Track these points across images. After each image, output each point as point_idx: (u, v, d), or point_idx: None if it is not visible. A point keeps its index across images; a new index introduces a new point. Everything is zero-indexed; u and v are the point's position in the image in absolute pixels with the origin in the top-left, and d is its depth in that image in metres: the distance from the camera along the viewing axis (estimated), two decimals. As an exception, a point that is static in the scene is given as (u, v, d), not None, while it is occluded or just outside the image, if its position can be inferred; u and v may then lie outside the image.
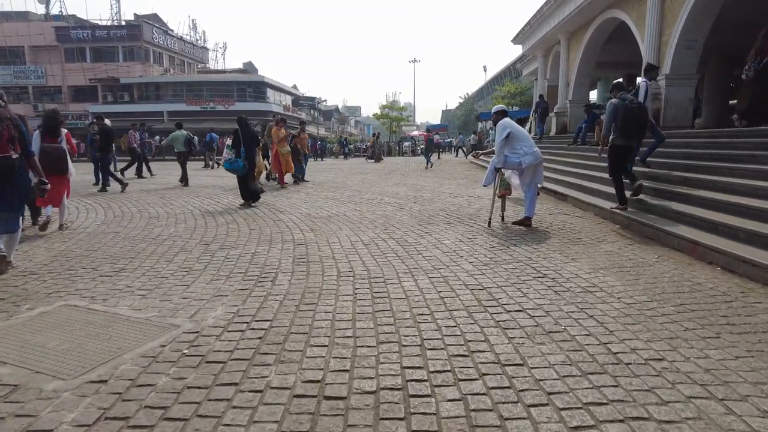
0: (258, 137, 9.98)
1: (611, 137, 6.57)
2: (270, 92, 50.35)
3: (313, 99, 61.44)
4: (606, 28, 15.08)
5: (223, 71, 54.87)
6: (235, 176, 9.01)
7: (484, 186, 6.86)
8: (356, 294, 3.74)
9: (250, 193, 8.78)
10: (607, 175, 7.03)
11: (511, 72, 56.93)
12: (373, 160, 28.49)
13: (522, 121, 33.50)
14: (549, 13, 17.54)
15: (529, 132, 27.35)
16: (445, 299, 3.60)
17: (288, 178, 12.57)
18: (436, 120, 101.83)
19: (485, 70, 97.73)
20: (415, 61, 71.84)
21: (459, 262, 4.67)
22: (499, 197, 6.83)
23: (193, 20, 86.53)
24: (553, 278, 4.14)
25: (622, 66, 21.29)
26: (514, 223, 6.63)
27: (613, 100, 6.46)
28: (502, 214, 7.01)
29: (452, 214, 7.57)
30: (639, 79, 8.67)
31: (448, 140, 47.92)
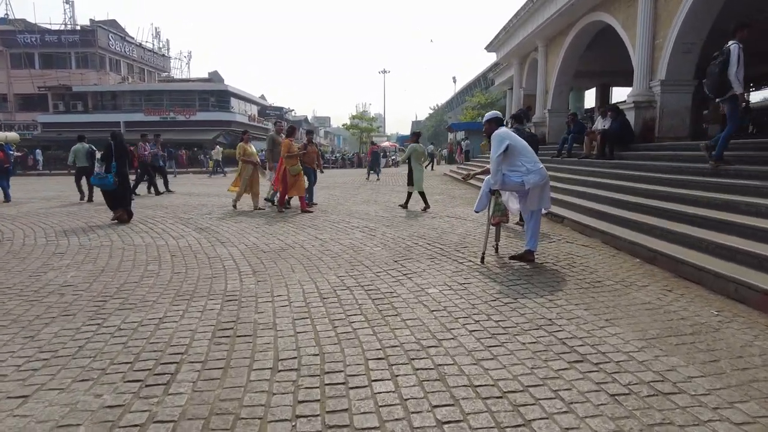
0: (128, 153, 9.50)
1: None
2: (234, 102, 48.40)
3: (280, 109, 59.69)
4: (588, 32, 14.15)
5: (187, 80, 52.59)
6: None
7: (476, 212, 5.54)
8: (296, 421, 2.29)
9: (120, 201, 8.29)
10: (611, 194, 6.79)
11: (481, 82, 56.75)
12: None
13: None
14: (527, 17, 16.58)
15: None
16: (446, 427, 2.19)
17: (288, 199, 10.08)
18: (406, 131, 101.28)
19: (455, 81, 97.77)
20: (384, 71, 71.18)
21: (455, 332, 3.28)
22: (492, 225, 5.52)
23: (156, 28, 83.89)
24: (596, 363, 2.79)
25: (596, 75, 20.63)
26: (512, 258, 5.32)
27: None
28: (496, 244, 5.69)
29: (434, 243, 6.21)
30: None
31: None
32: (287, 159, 8.92)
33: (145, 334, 3.28)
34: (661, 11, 9.94)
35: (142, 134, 14.57)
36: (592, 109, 20.20)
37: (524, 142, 5.16)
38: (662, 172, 7.52)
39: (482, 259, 5.18)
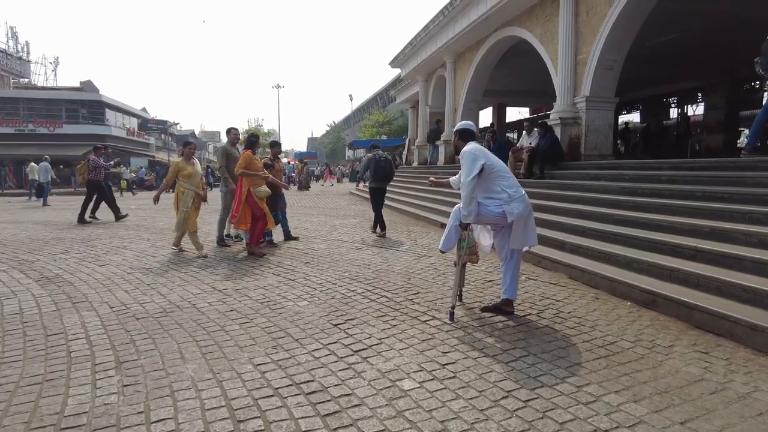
0: None
1: (369, 182, 8.88)
2: (111, 114, 43.23)
3: (164, 122, 54.71)
4: (500, 48, 13.85)
5: (51, 89, 45.91)
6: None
7: (442, 252, 4.22)
8: None
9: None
10: (561, 219, 6.54)
11: (377, 101, 57.03)
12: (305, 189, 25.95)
13: (395, 149, 32.62)
14: (436, 32, 16.03)
15: (405, 162, 26.28)
16: None
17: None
18: (302, 147, 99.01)
19: (351, 99, 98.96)
20: (278, 86, 69.02)
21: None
22: (456, 265, 4.25)
23: (11, 27, 72.93)
24: None
25: (493, 95, 20.85)
26: (485, 309, 4.09)
27: (368, 155, 8.99)
28: (460, 291, 4.44)
29: (376, 289, 4.80)
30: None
31: (321, 168, 45.69)
32: (249, 179, 6.57)
33: None
34: (582, 27, 9.63)
35: (94, 146, 11.85)
36: (485, 129, 20.16)
37: (501, 162, 4.00)
38: (612, 194, 6.88)
39: (452, 315, 3.87)
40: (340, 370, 2.96)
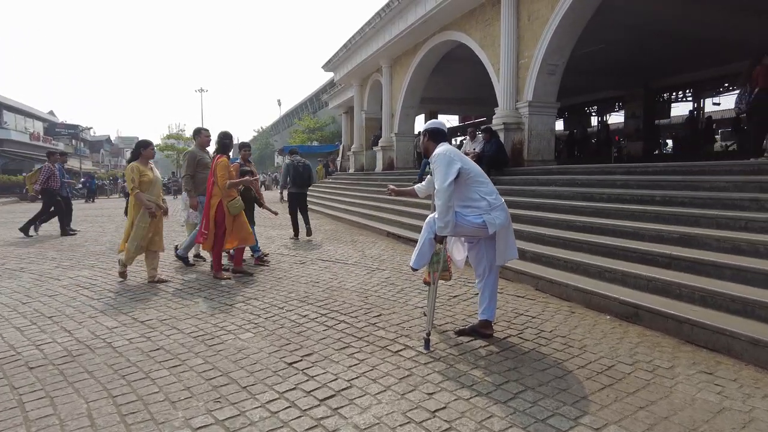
0: None
1: (288, 187, 8.92)
2: (9, 116, 39.05)
3: (75, 127, 50.32)
4: (438, 51, 13.68)
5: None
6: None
7: (414, 270, 3.65)
8: None
9: None
10: (518, 227, 6.07)
11: (308, 106, 55.96)
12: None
13: (328, 155, 31.79)
14: (371, 35, 15.63)
15: (340, 168, 25.55)
16: None
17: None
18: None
19: (280, 104, 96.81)
20: (202, 90, 66.25)
21: None
22: (426, 283, 3.72)
23: None
24: None
25: (426, 102, 20.82)
26: (461, 333, 3.60)
27: (286, 161, 9.11)
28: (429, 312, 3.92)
29: (333, 314, 4.17)
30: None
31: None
32: (224, 188, 5.49)
33: None
34: (524, 31, 9.58)
35: (49, 152, 10.52)
36: (474, 126, 19.89)
37: (477, 166, 3.53)
38: (567, 199, 6.71)
39: (427, 343, 3.33)
40: (306, 429, 2.32)
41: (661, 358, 3.19)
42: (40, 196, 10.06)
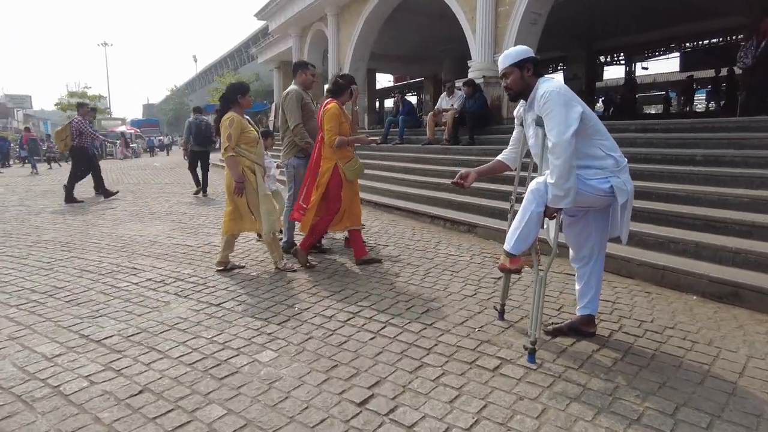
0: None
1: (190, 145, 9.15)
2: None
3: (-53, 81, 42.89)
4: (392, 1, 12.44)
5: None
6: None
7: (513, 255, 2.65)
8: None
9: None
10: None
11: (228, 62, 51.89)
12: None
13: (256, 115, 29.40)
14: (317, -23, 13.97)
15: (273, 129, 23.65)
16: None
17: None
18: (137, 114, 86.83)
19: (196, 60, 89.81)
20: (105, 44, 59.42)
21: None
22: (508, 272, 2.79)
23: None
24: None
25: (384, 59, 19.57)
26: (556, 332, 2.76)
27: (189, 119, 9.13)
28: (503, 306, 3.04)
29: (363, 312, 3.16)
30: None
31: (160, 138, 39.61)
32: (338, 148, 4.01)
33: None
34: (504, -27, 8.65)
35: (79, 104, 9.51)
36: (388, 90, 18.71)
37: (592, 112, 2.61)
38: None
39: (532, 354, 2.44)
40: None
41: (736, 338, 2.55)
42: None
